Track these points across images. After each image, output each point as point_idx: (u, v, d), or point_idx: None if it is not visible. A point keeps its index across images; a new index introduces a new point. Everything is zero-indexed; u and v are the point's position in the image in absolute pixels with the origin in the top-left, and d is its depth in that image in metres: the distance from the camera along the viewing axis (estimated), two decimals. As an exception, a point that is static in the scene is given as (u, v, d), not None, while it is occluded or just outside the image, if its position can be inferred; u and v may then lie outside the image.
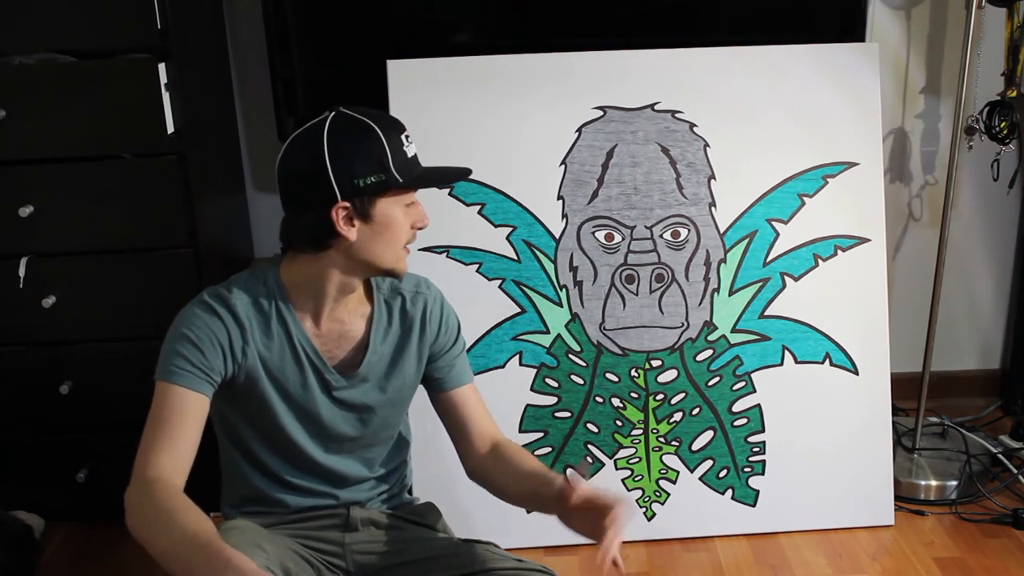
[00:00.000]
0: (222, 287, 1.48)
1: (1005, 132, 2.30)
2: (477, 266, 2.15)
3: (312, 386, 1.50)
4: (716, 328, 2.18)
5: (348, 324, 1.52)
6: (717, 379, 2.18)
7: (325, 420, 1.52)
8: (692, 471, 2.19)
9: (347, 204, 1.40)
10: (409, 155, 1.43)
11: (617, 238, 2.16)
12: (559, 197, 2.16)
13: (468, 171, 1.55)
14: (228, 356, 1.44)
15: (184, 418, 1.40)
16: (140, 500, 1.35)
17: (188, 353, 1.41)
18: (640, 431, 2.18)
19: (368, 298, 1.55)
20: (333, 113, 1.42)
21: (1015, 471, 2.36)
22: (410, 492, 1.71)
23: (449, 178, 1.66)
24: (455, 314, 1.63)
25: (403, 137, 1.43)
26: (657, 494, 2.19)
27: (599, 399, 2.17)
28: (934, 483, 2.32)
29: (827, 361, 2.20)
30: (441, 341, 1.59)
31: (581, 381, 2.17)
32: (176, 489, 1.37)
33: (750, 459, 2.20)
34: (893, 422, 2.26)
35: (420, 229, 1.49)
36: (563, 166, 2.16)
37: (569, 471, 1.50)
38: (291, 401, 1.50)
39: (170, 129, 2.07)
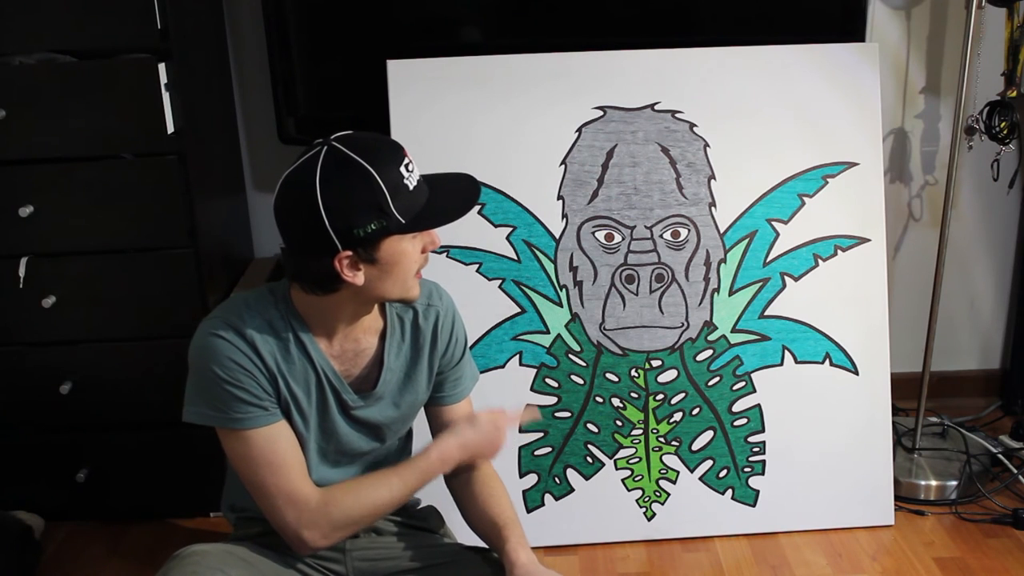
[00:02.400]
0: (232, 314, 1.42)
1: (1005, 132, 2.30)
2: (477, 266, 2.15)
3: (332, 408, 1.49)
4: (716, 328, 2.18)
5: (363, 342, 1.50)
6: (717, 379, 2.18)
7: (342, 439, 1.51)
8: (692, 471, 2.19)
9: (349, 252, 1.34)
10: (411, 187, 1.36)
11: (617, 238, 2.16)
12: (559, 197, 2.16)
13: (476, 191, 1.46)
14: (270, 386, 1.43)
15: (278, 452, 1.43)
16: (326, 526, 1.44)
17: (239, 394, 1.40)
18: (640, 431, 2.18)
19: (381, 313, 1.53)
20: (324, 149, 1.33)
21: (1015, 471, 2.36)
22: None
23: (456, 210, 1.43)
24: (464, 325, 1.62)
25: (403, 168, 1.35)
26: (657, 494, 2.19)
27: (599, 399, 2.17)
28: (934, 483, 2.32)
29: (827, 361, 2.20)
30: (450, 355, 1.58)
31: (581, 381, 2.17)
32: (328, 492, 1.46)
33: (750, 459, 2.20)
34: (893, 422, 2.26)
35: (432, 250, 1.44)
36: (563, 166, 2.16)
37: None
38: (314, 426, 1.49)
39: (170, 129, 2.07)
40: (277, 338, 1.43)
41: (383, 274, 1.39)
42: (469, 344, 2.11)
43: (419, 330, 1.54)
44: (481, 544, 1.57)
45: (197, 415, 1.43)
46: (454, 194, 1.44)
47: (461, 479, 1.60)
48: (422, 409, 1.64)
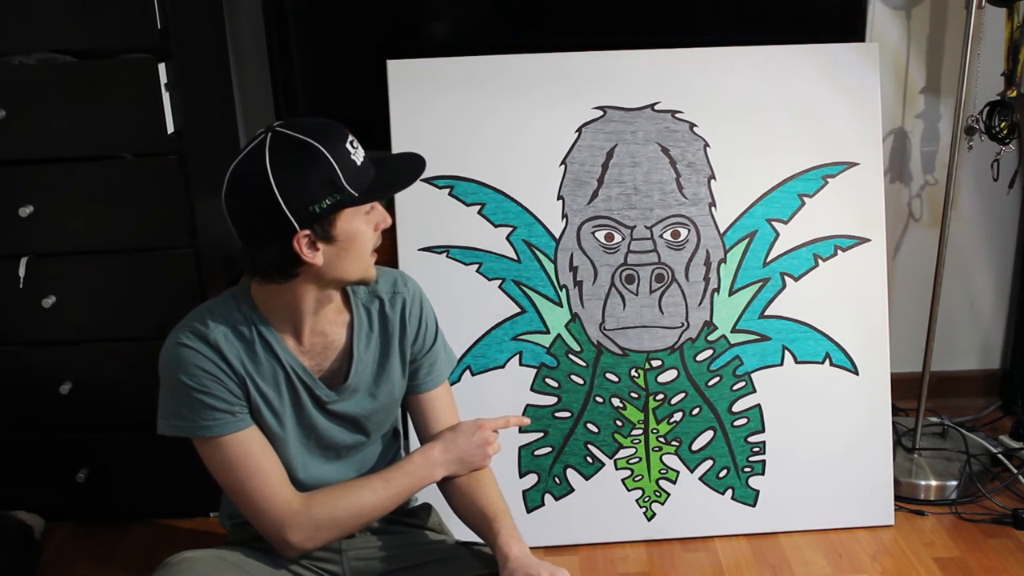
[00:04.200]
0: (196, 322, 1.44)
1: (1005, 132, 2.30)
2: (477, 266, 2.15)
3: (306, 404, 1.49)
4: (716, 328, 2.18)
5: (330, 335, 1.50)
6: (717, 379, 2.18)
7: (323, 433, 1.52)
8: (692, 471, 2.19)
9: (307, 232, 1.35)
10: (359, 163, 1.37)
11: (617, 238, 2.16)
12: (559, 197, 2.16)
13: (422, 164, 1.46)
14: (239, 389, 1.44)
15: (253, 456, 1.44)
16: (309, 526, 1.45)
17: (208, 400, 1.41)
18: (640, 431, 2.18)
19: (346, 305, 1.53)
20: (269, 135, 1.35)
21: (1015, 471, 2.36)
22: None
23: (405, 179, 1.46)
24: (433, 310, 1.61)
25: (348, 145, 1.37)
26: (657, 494, 2.19)
27: (599, 399, 2.17)
28: (934, 483, 2.32)
29: (827, 361, 2.20)
30: (420, 341, 1.58)
31: (581, 381, 2.17)
32: (311, 494, 1.47)
33: (750, 459, 2.20)
34: (893, 422, 2.26)
35: (384, 228, 1.44)
36: (563, 166, 2.16)
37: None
38: (291, 424, 1.49)
39: (170, 129, 2.07)
40: (242, 340, 1.44)
41: (341, 252, 1.39)
42: (469, 345, 2.13)
43: (387, 319, 1.54)
44: (476, 539, 1.57)
45: (169, 427, 1.44)
46: (400, 166, 1.46)
47: None
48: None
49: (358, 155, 1.38)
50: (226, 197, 1.38)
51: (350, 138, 1.38)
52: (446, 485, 1.59)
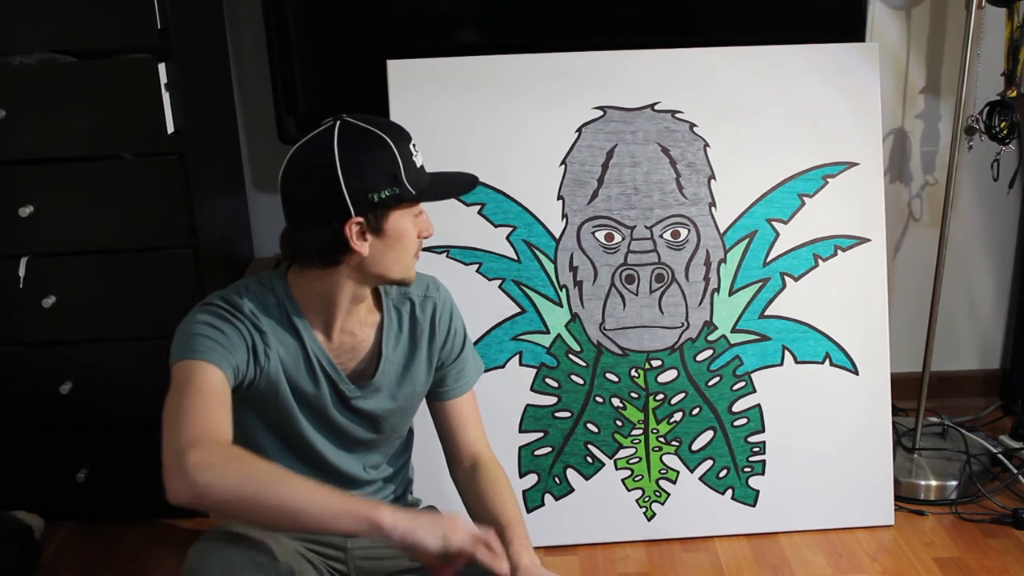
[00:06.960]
0: (231, 293, 1.44)
1: (1005, 132, 2.30)
2: (477, 266, 2.15)
3: (326, 396, 1.49)
4: (716, 328, 2.18)
5: (359, 335, 1.50)
6: (717, 379, 2.18)
7: (340, 427, 1.52)
8: (692, 471, 2.19)
9: (360, 219, 1.36)
10: (418, 164, 1.41)
11: (617, 238, 2.16)
12: (559, 197, 2.16)
13: (475, 180, 1.51)
14: (251, 358, 1.40)
15: (214, 391, 1.31)
16: (216, 456, 1.24)
17: (211, 334, 1.36)
18: (640, 431, 2.18)
19: (377, 306, 1.53)
20: (338, 122, 1.37)
21: (1015, 471, 2.36)
22: (411, 489, 1.71)
23: (459, 189, 1.53)
24: (462, 318, 1.62)
25: (411, 146, 1.40)
26: (657, 494, 2.19)
27: (599, 399, 2.17)
28: (934, 483, 2.32)
29: (827, 361, 2.20)
30: (448, 347, 1.59)
31: (581, 381, 2.17)
32: (240, 447, 1.29)
33: (750, 459, 2.20)
34: (893, 422, 2.26)
35: (426, 238, 1.47)
36: (563, 166, 2.16)
37: None
38: (309, 408, 1.49)
39: (170, 129, 2.07)
40: (272, 321, 1.44)
41: (386, 248, 1.40)
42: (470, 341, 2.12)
43: (416, 321, 1.55)
44: None
45: (173, 357, 1.36)
46: (453, 178, 1.51)
47: (469, 477, 1.59)
48: (426, 409, 1.63)
49: (418, 158, 1.41)
50: (284, 174, 1.39)
51: (413, 141, 1.42)
52: (466, 490, 1.59)
